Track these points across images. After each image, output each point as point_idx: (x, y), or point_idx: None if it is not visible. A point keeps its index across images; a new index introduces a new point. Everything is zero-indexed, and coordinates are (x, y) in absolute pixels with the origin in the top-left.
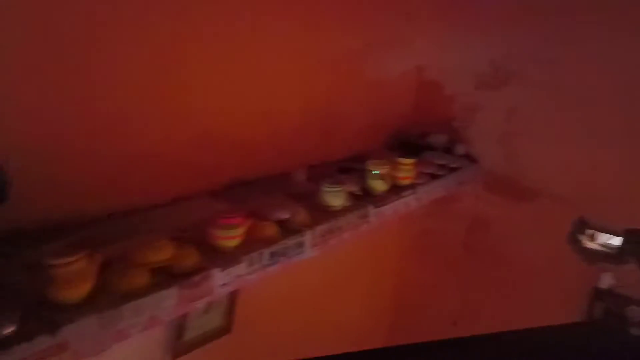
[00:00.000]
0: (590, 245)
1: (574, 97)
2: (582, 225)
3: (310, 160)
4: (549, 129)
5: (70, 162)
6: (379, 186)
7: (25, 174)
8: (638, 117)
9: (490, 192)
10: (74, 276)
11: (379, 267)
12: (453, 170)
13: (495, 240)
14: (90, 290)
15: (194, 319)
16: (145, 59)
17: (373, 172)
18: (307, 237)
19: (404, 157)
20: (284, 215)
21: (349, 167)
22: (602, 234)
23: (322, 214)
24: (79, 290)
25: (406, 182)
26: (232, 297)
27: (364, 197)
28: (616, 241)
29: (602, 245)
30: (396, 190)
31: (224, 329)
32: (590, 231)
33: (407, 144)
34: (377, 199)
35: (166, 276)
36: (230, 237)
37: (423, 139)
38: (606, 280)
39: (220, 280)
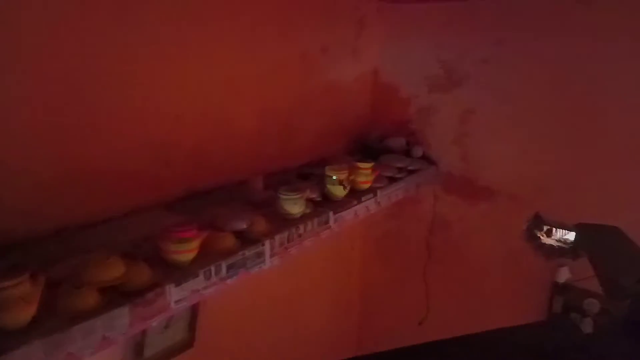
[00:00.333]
0: (546, 241)
1: (520, 97)
2: (538, 222)
3: (268, 168)
4: (500, 129)
5: (9, 178)
6: (339, 191)
7: None
8: (580, 114)
9: (448, 192)
10: (16, 300)
11: (343, 272)
12: (411, 172)
13: (456, 240)
14: (35, 313)
15: (153, 336)
16: (88, 67)
17: (332, 178)
18: (267, 247)
19: (362, 161)
20: (242, 225)
21: (308, 173)
22: (557, 230)
23: (281, 222)
24: (22, 315)
25: (366, 186)
26: (194, 310)
27: (323, 203)
28: (571, 236)
29: (558, 240)
30: (356, 194)
31: (186, 344)
32: (546, 227)
33: (366, 147)
34: (337, 205)
35: (117, 295)
36: (184, 251)
37: (381, 142)
38: (563, 275)
39: (176, 296)
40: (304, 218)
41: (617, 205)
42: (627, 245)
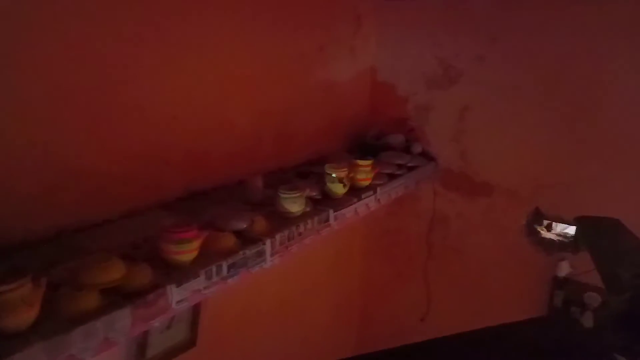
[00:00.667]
0: (546, 235)
1: (517, 93)
2: (538, 217)
3: (266, 167)
4: (497, 125)
5: (6, 181)
6: (339, 189)
7: None
8: (577, 109)
9: (448, 189)
10: (18, 303)
11: (343, 269)
12: (411, 169)
13: (456, 236)
14: (37, 316)
15: (156, 335)
16: (88, 69)
17: (332, 176)
18: (267, 246)
19: (362, 158)
20: (242, 224)
21: (307, 172)
22: (557, 224)
23: (282, 221)
24: (24, 318)
25: (365, 183)
26: (196, 309)
27: (323, 201)
28: (571, 230)
29: (558, 234)
30: (356, 192)
31: (189, 343)
32: (546, 222)
33: (365, 145)
34: (337, 203)
35: (118, 296)
36: (185, 252)
37: (380, 139)
38: (564, 269)
39: (177, 296)
40: (304, 216)
41: (617, 198)
42: (627, 238)
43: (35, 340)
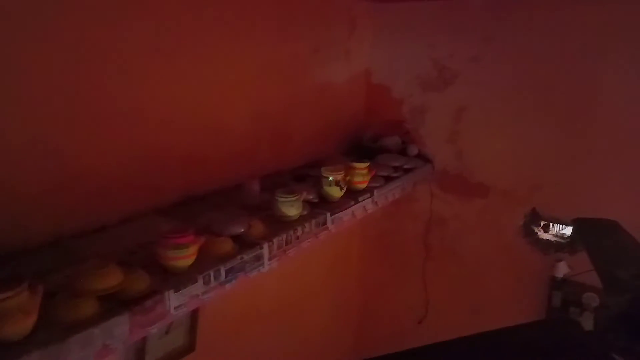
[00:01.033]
0: (544, 236)
1: (512, 93)
2: (535, 217)
3: (262, 171)
4: (493, 125)
5: (2, 187)
6: (336, 192)
7: None
8: (573, 109)
9: (444, 190)
10: (15, 311)
11: (341, 272)
12: (408, 171)
13: (453, 237)
14: (34, 324)
15: (154, 341)
16: (79, 76)
17: (328, 179)
18: (265, 250)
19: (358, 161)
20: (239, 229)
21: (304, 175)
22: (554, 225)
23: (279, 224)
24: (22, 326)
25: (362, 186)
26: (194, 314)
27: (320, 205)
28: (568, 231)
29: (555, 235)
30: (353, 195)
31: (188, 348)
32: (543, 222)
33: (361, 147)
34: (334, 206)
35: (116, 303)
36: (182, 257)
37: (376, 141)
38: (562, 270)
39: (175, 302)
40: (301, 220)
41: (614, 198)
42: (625, 239)
43: (32, 349)
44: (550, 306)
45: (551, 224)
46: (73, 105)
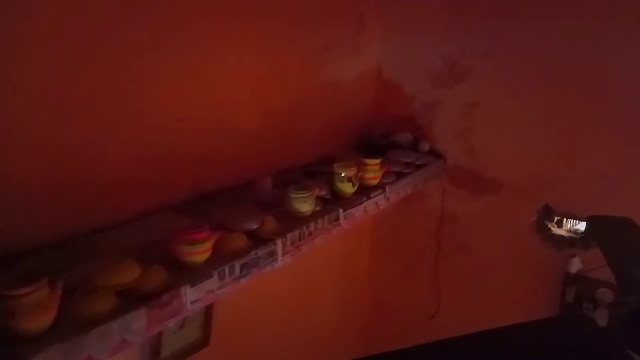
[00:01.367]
0: (557, 231)
1: (524, 88)
2: (548, 213)
3: (275, 167)
4: (505, 121)
5: (17, 187)
6: (348, 188)
7: None
8: (585, 104)
9: (456, 186)
10: (36, 306)
11: (352, 268)
12: (419, 167)
13: (465, 233)
14: (54, 319)
15: (169, 335)
16: (92, 75)
17: (341, 175)
18: (278, 246)
19: (369, 157)
20: (253, 225)
21: (316, 171)
22: (568, 220)
23: (292, 220)
24: (42, 320)
25: (374, 182)
26: (208, 310)
27: (332, 201)
28: (582, 226)
29: (569, 231)
30: (365, 191)
31: (202, 343)
32: (557, 218)
33: (372, 144)
34: (346, 202)
35: (133, 298)
36: (198, 253)
37: (387, 138)
38: (575, 265)
39: (191, 297)
40: (313, 216)
41: (627, 193)
42: (639, 237)
43: (53, 342)
44: (564, 302)
45: (564, 220)
46: (87, 103)
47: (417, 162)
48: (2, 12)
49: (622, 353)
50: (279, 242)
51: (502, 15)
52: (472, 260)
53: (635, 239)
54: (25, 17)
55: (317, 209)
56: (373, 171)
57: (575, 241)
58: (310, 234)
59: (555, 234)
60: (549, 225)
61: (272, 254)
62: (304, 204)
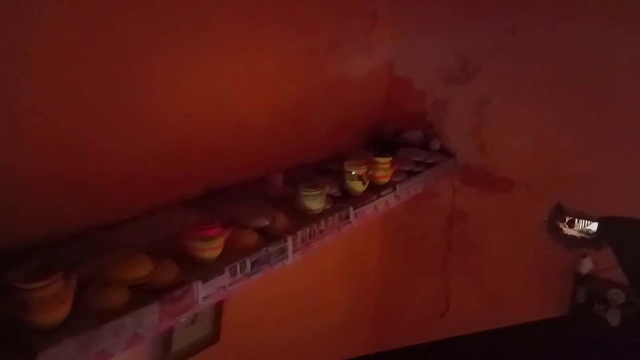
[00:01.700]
0: (569, 231)
1: (535, 86)
2: (560, 212)
3: (285, 164)
4: (516, 119)
5: (29, 182)
6: (358, 187)
7: None
8: (598, 102)
9: (466, 184)
10: (51, 299)
11: (361, 266)
12: (430, 165)
13: (475, 232)
14: (69, 312)
15: (180, 331)
16: (102, 71)
17: (351, 173)
18: (289, 243)
19: (380, 155)
20: (264, 222)
21: (326, 169)
22: (579, 220)
23: (302, 218)
24: (57, 313)
25: (385, 180)
26: (219, 305)
27: (343, 199)
28: (594, 226)
29: (581, 231)
30: (375, 189)
31: (212, 339)
32: (568, 218)
33: (382, 141)
34: (356, 200)
35: (146, 292)
36: (210, 249)
37: (397, 136)
38: (586, 265)
39: (203, 292)
40: (324, 214)
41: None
42: None
43: (67, 335)
44: (574, 302)
45: (576, 220)
46: (99, 99)
47: (428, 161)
48: (14, 11)
49: (634, 352)
50: (290, 240)
51: (514, 12)
52: (482, 259)
53: None
54: (37, 13)
55: (328, 206)
56: (383, 169)
57: (587, 241)
58: (321, 231)
59: (567, 234)
60: (561, 225)
61: (283, 251)
62: (315, 202)
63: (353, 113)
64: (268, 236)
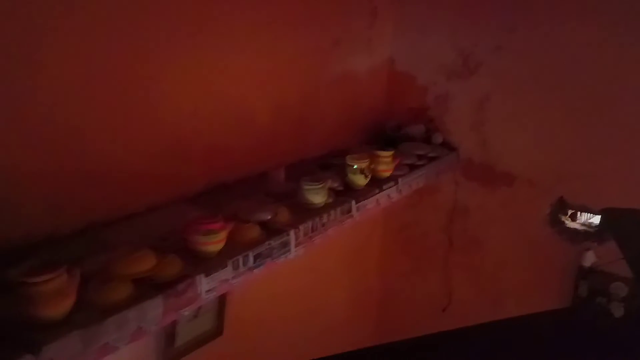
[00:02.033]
0: (571, 225)
1: (537, 82)
2: (562, 206)
3: (287, 159)
4: (518, 114)
5: (32, 178)
6: (360, 180)
7: None
8: (599, 97)
9: (469, 179)
10: (55, 293)
11: (363, 261)
12: (432, 159)
13: (477, 226)
14: (72, 306)
15: (184, 325)
16: (105, 68)
17: (353, 167)
18: (292, 237)
19: (382, 149)
20: (266, 216)
21: (329, 163)
22: (582, 214)
23: (305, 212)
24: (61, 308)
25: (387, 174)
26: (222, 299)
27: (345, 193)
28: (596, 220)
29: (583, 224)
30: (377, 183)
31: (216, 332)
32: (571, 211)
33: (384, 136)
34: (359, 194)
35: (149, 286)
36: (212, 242)
37: (399, 130)
38: (589, 259)
39: (206, 286)
40: (326, 208)
41: None
42: None
43: (71, 330)
44: (577, 296)
45: (579, 213)
46: (103, 96)
47: (430, 155)
48: (15, 11)
49: (637, 345)
50: (292, 233)
51: (516, 9)
52: (484, 253)
53: None
54: (46, 12)
55: (330, 200)
56: (385, 163)
57: (590, 234)
58: (323, 225)
59: (569, 228)
60: (563, 219)
61: (285, 244)
62: (317, 196)
63: (355, 109)
64: (270, 230)
